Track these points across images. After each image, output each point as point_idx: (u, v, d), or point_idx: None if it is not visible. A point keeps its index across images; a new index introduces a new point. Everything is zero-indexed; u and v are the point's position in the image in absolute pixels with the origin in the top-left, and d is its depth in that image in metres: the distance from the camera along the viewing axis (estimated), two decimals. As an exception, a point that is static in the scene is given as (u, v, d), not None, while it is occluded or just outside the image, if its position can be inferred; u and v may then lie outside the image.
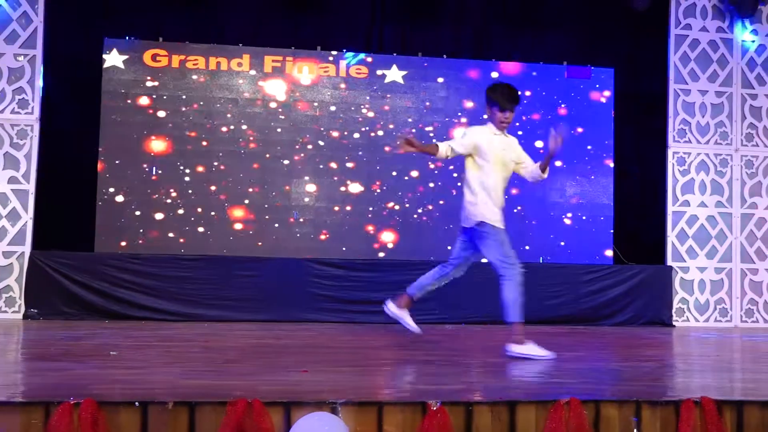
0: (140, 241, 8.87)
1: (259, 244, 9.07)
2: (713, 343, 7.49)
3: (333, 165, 9.29)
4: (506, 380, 4.38)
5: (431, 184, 9.42)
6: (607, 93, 9.76)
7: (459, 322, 8.61)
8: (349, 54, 9.40)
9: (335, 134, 9.31)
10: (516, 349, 5.49)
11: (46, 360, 4.79)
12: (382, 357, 5.56)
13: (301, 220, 9.19)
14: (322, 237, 9.21)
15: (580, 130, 9.65)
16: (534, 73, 9.67)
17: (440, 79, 9.53)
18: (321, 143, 9.28)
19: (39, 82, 8.55)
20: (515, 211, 9.40)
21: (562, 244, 9.59)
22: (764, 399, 3.73)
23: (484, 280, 6.99)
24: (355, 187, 9.31)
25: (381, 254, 9.24)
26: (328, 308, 8.56)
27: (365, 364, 5.05)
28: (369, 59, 9.44)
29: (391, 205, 9.34)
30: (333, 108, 9.35)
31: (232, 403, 3.26)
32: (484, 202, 5.67)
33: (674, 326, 9.14)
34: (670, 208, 9.45)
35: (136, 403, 3.21)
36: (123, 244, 8.80)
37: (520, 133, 9.47)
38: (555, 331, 7.73)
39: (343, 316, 8.53)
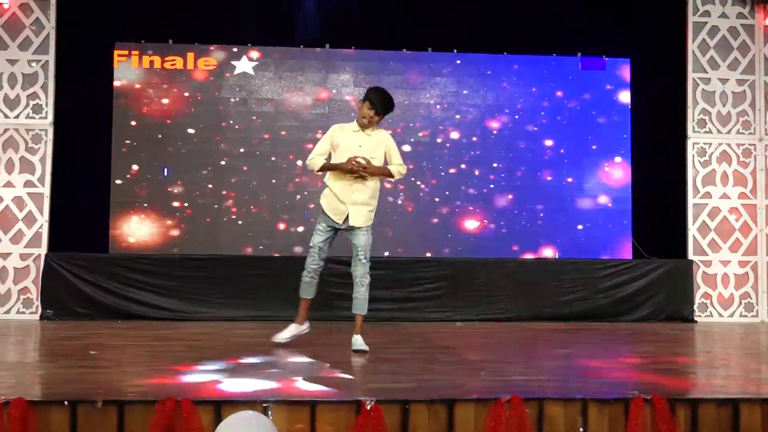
0: (153, 242, 8.97)
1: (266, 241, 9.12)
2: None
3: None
4: (446, 378, 4.25)
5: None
6: (623, 84, 9.53)
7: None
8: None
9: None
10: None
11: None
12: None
13: (311, 219, 9.22)
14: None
15: (601, 120, 9.49)
16: (546, 68, 9.51)
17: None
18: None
19: (52, 87, 8.70)
20: (527, 206, 9.33)
21: (582, 239, 9.42)
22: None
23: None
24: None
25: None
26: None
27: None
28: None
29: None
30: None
31: (161, 403, 3.26)
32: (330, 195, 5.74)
33: (696, 322, 8.88)
34: (691, 201, 9.18)
35: (65, 402, 3.23)
36: (136, 245, 8.91)
37: (535, 128, 9.34)
38: (556, 329, 7.58)
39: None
